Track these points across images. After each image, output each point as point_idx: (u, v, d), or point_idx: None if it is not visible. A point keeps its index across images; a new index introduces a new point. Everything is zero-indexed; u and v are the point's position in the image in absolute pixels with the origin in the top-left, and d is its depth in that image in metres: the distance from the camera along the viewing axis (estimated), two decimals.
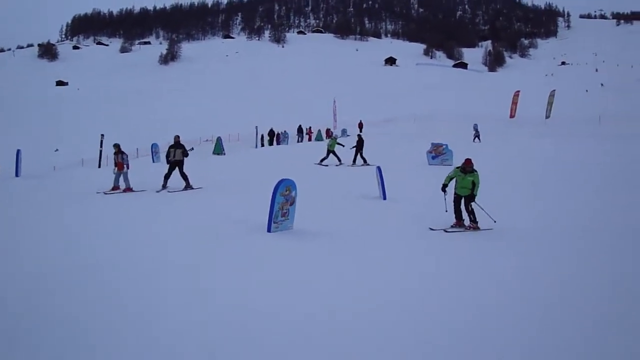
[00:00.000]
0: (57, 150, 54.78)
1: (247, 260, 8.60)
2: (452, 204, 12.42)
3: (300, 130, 54.84)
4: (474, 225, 12.11)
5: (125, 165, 17.22)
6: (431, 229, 11.85)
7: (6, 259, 8.56)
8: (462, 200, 12.28)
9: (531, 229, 12.04)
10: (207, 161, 30.52)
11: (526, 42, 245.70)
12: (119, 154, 17.32)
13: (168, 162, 17.54)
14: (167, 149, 17.96)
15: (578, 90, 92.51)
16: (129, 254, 8.87)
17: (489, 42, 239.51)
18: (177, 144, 17.44)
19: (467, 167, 12.24)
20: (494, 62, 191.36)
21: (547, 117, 49.07)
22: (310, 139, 53.05)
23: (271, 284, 7.33)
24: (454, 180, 12.35)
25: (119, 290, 6.86)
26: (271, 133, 50.87)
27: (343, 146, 26.96)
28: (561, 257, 9.48)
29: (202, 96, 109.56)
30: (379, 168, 15.95)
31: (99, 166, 32.14)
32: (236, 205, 13.95)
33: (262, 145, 48.47)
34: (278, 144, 49.25)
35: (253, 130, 48.89)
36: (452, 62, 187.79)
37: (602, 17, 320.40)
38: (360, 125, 56.20)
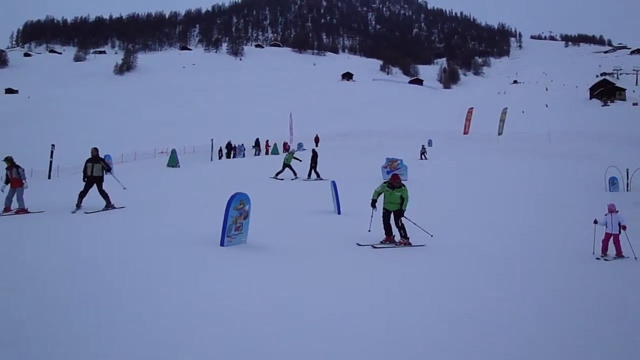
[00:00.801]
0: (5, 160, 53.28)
1: (200, 273, 8.50)
2: (382, 219, 12.33)
3: (257, 143, 54.76)
4: (405, 240, 12.04)
5: (23, 182, 14.80)
6: (359, 245, 11.78)
7: None
8: (392, 216, 12.23)
9: (464, 244, 12.30)
10: (161, 173, 30.20)
11: (480, 60, 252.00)
12: (13, 169, 14.84)
13: (84, 178, 15.27)
14: (84, 164, 15.49)
15: (529, 108, 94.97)
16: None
17: (444, 59, 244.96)
18: (95, 158, 15.30)
19: (395, 182, 12.26)
20: (449, 79, 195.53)
21: (500, 133, 50.18)
22: (267, 153, 53.01)
23: (223, 295, 7.27)
24: (383, 195, 12.35)
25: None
26: (229, 146, 50.73)
27: (300, 161, 26.97)
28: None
29: (158, 107, 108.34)
30: (333, 182, 16.06)
31: (49, 177, 31.37)
32: (180, 220, 13.72)
33: (220, 157, 48.21)
34: (234, 156, 49.06)
35: (208, 143, 48.60)
36: (408, 79, 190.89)
37: (552, 38, 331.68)
38: (317, 140, 56.41)
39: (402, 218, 12.10)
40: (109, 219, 13.81)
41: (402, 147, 41.10)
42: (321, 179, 24.59)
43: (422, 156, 38.18)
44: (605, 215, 12.61)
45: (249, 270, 8.89)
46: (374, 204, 12.52)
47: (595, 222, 12.60)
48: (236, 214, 10.82)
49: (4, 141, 69.56)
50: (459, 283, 8.80)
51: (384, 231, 12.24)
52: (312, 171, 25.92)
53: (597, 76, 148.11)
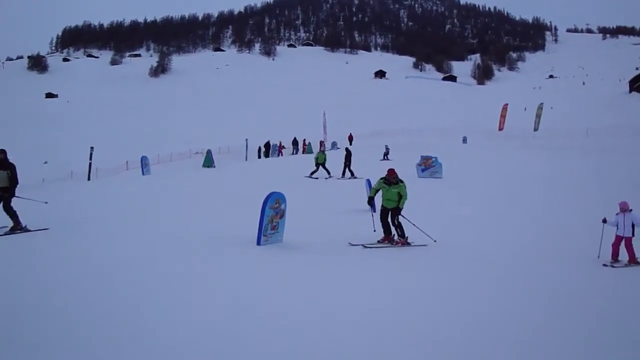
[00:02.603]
0: (46, 162, 54.67)
1: (238, 272, 8.64)
2: (379, 218, 11.88)
3: (295, 142, 55.09)
4: (403, 240, 11.57)
5: None
6: (351, 244, 11.41)
7: None
8: (390, 214, 11.69)
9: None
10: (196, 174, 30.59)
11: (514, 55, 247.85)
12: None
13: None
14: None
15: (566, 103, 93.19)
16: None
17: (478, 55, 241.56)
18: (1, 163, 11.39)
19: (391, 178, 11.67)
20: (483, 75, 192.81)
21: (536, 129, 49.37)
22: (304, 151, 53.28)
23: (262, 294, 7.37)
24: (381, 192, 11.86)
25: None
26: (267, 145, 51.21)
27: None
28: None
29: (193, 109, 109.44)
30: (368, 181, 16.07)
31: (89, 178, 32.06)
32: (217, 220, 13.85)
33: (259, 157, 48.70)
34: (268, 156, 49.54)
35: (243, 143, 48.97)
36: (441, 75, 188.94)
37: (589, 31, 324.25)
38: (350, 138, 56.46)
39: (400, 217, 11.60)
40: (146, 219, 14.06)
41: (437, 145, 40.80)
42: (355, 178, 24.60)
43: (385, 157, 37.07)
44: (617, 214, 10.92)
45: (286, 270, 8.99)
46: (370, 201, 12.30)
47: (605, 221, 11.03)
48: (272, 213, 10.93)
49: (45, 144, 71.36)
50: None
51: (382, 230, 11.83)
52: (347, 170, 25.96)
53: (637, 69, 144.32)
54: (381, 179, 11.91)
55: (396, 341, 5.90)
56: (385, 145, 38.81)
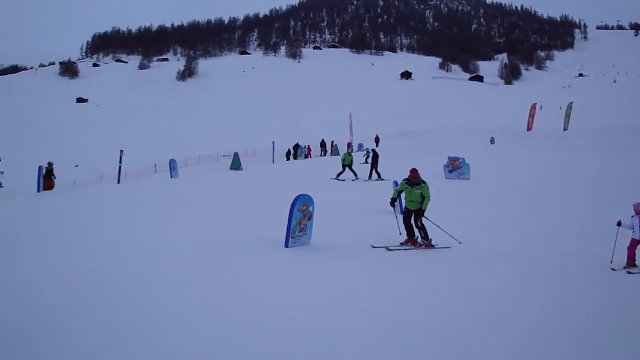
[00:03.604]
0: (77, 166, 55.48)
1: (267, 274, 8.69)
2: (402, 220, 11.72)
3: (323, 144, 55.24)
4: (426, 242, 11.37)
5: None
6: (373, 247, 11.32)
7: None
8: (413, 216, 11.48)
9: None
10: (224, 176, 30.80)
11: (543, 54, 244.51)
12: None
13: None
14: None
15: (597, 102, 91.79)
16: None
17: (505, 55, 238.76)
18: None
19: (414, 179, 11.51)
20: (510, 75, 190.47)
21: (565, 129, 48.75)
22: (332, 153, 53.31)
23: (290, 297, 7.42)
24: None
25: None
26: (296, 147, 51.56)
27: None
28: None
29: (220, 112, 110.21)
30: (396, 183, 16.02)
31: (119, 182, 32.40)
32: (245, 222, 13.96)
33: (288, 159, 48.91)
34: (295, 158, 49.73)
35: (270, 146, 49.14)
36: (468, 76, 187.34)
37: (620, 28, 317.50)
38: (377, 140, 56.32)
39: (424, 219, 11.40)
40: (175, 221, 14.21)
41: (464, 146, 40.48)
42: (382, 180, 24.55)
43: (367, 160, 36.76)
44: (632, 217, 10.32)
45: (314, 272, 9.04)
46: (393, 203, 12.12)
47: (619, 224, 10.42)
48: (300, 216, 10.98)
49: (77, 148, 72.51)
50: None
51: (405, 232, 11.68)
52: (374, 172, 25.92)
53: None
54: (404, 180, 11.78)
55: (421, 343, 5.93)
56: (367, 150, 38.73)
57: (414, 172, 11.63)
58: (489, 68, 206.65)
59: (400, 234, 11.76)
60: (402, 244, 11.52)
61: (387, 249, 11.20)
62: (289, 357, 5.46)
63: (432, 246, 11.36)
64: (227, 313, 6.67)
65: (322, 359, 5.50)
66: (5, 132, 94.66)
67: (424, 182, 11.51)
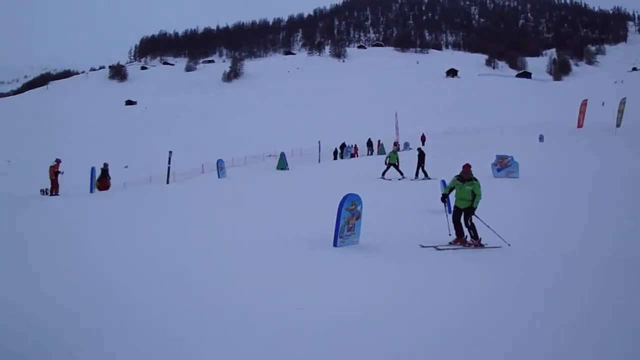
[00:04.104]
0: (126, 167, 56.77)
1: (315, 274, 8.75)
2: (452, 218, 11.48)
3: (369, 143, 55.25)
4: (476, 242, 11.09)
5: None
6: (422, 246, 11.14)
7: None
8: (463, 214, 11.21)
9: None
10: (271, 176, 31.07)
11: (593, 48, 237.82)
12: None
13: None
14: None
15: None
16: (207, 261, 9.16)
17: (554, 50, 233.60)
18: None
19: (465, 175, 11.24)
20: (559, 70, 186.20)
21: (618, 125, 47.38)
22: (378, 152, 53.30)
23: (339, 296, 7.45)
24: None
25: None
26: (343, 147, 51.85)
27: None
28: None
29: (265, 112, 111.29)
30: (443, 182, 15.93)
31: (167, 182, 33.04)
32: (293, 222, 14.05)
33: (335, 158, 49.19)
34: (342, 157, 49.94)
35: (315, 145, 49.34)
36: (515, 72, 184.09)
37: None
38: (423, 138, 55.95)
39: (473, 217, 11.11)
40: (222, 221, 14.41)
41: (512, 143, 39.79)
42: (429, 178, 24.39)
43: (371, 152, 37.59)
44: None
45: (363, 272, 9.01)
46: (444, 198, 11.85)
47: None
48: (348, 215, 11.01)
49: (126, 149, 74.24)
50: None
51: (454, 231, 11.41)
52: (420, 170, 25.76)
53: None
54: (456, 176, 11.50)
55: (476, 342, 5.84)
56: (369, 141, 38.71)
57: (467, 167, 11.37)
58: (537, 64, 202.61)
59: (450, 234, 11.55)
60: (450, 243, 11.29)
61: (436, 248, 11.02)
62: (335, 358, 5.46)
63: (482, 246, 11.10)
64: (279, 312, 6.73)
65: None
66: (58, 135, 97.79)
67: (476, 179, 11.24)
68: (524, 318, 6.70)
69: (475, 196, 11.10)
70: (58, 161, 24.43)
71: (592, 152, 33.20)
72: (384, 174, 25.94)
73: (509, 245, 10.97)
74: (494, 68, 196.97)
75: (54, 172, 23.86)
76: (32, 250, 10.67)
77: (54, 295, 7.33)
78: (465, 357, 5.51)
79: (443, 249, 11.01)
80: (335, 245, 10.79)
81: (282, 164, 38.61)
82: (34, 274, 8.70)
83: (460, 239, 11.29)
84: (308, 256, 10.11)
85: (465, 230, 11.29)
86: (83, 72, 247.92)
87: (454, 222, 11.38)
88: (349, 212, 11.01)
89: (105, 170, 26.41)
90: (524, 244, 11.27)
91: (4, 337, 5.77)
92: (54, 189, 23.95)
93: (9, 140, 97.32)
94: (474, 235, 11.10)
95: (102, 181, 26.08)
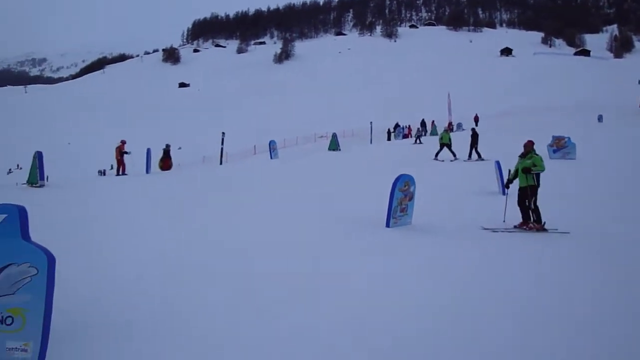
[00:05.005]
0: (180, 148, 58.01)
1: (369, 254, 8.78)
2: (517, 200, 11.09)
3: (423, 123, 54.83)
4: (538, 225, 10.61)
5: None
6: (484, 228, 10.88)
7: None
8: (527, 196, 10.81)
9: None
10: (323, 157, 31.21)
11: None
12: None
13: None
14: None
15: None
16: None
17: (615, 26, 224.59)
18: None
19: (526, 148, 11.13)
20: (621, 47, 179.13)
21: None
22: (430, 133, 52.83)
23: (395, 278, 7.48)
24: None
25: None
26: (396, 127, 51.64)
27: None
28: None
29: (316, 93, 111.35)
30: (498, 162, 15.75)
31: (220, 163, 33.56)
32: (347, 202, 14.10)
33: (389, 139, 49.02)
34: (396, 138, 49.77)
35: (367, 126, 49.19)
36: (573, 50, 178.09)
37: None
38: (476, 119, 55.10)
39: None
40: (279, 201, 14.64)
41: (569, 124, 38.84)
42: (482, 160, 24.07)
43: (418, 139, 37.53)
44: None
45: (417, 253, 8.97)
46: (508, 184, 11.55)
47: None
48: (401, 196, 11.03)
49: (180, 131, 75.69)
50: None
51: (520, 215, 11.05)
52: (473, 151, 25.43)
53: None
54: (519, 156, 11.36)
55: (545, 332, 5.61)
56: (418, 128, 38.19)
57: (528, 142, 11.22)
58: (597, 41, 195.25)
59: (504, 220, 11.30)
60: (515, 226, 11.00)
61: (493, 230, 10.82)
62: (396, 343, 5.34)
63: (545, 230, 10.60)
64: (328, 295, 6.77)
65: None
66: (114, 117, 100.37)
67: (536, 154, 11.06)
68: (603, 310, 6.31)
69: (535, 166, 10.82)
70: (123, 142, 25.25)
71: None
72: (437, 154, 25.73)
73: (569, 233, 10.39)
74: (550, 46, 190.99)
75: (120, 152, 24.66)
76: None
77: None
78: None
79: (500, 232, 10.73)
80: (388, 225, 10.82)
81: (334, 145, 38.68)
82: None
83: (526, 223, 10.94)
84: (360, 236, 10.14)
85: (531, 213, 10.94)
86: (137, 55, 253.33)
87: (519, 205, 11.11)
88: (402, 192, 11.03)
89: (167, 151, 27.37)
90: (583, 229, 10.80)
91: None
92: (121, 169, 24.79)
93: (69, 123, 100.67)
94: (537, 219, 10.77)
95: (165, 161, 27.10)
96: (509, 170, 11.85)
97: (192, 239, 9.93)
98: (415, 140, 37.73)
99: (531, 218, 10.87)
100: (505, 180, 12.02)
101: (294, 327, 5.58)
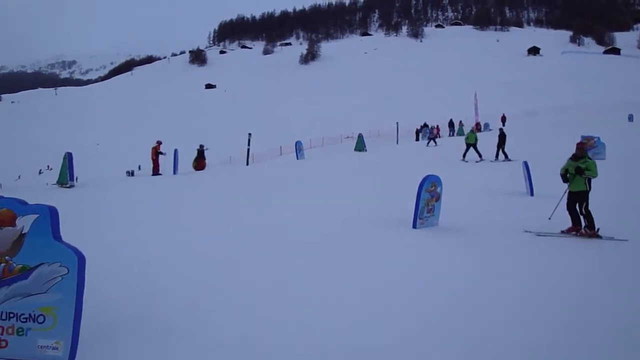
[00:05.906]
0: (207, 149, 58.37)
1: (395, 256, 8.78)
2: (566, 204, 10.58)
3: (451, 124, 54.53)
4: (592, 232, 10.03)
5: None
6: (526, 231, 10.46)
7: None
8: (578, 201, 10.28)
9: None
10: (349, 158, 31.20)
11: None
12: None
13: None
14: None
15: None
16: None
17: None
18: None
19: (579, 152, 10.60)
20: None
21: None
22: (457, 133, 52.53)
23: (421, 279, 7.44)
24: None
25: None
26: (423, 127, 51.54)
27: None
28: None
29: (342, 93, 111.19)
30: (525, 163, 15.58)
31: (247, 164, 33.72)
32: (373, 202, 14.06)
33: (417, 139, 48.87)
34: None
35: (393, 126, 49.03)
36: (602, 49, 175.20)
37: None
38: (503, 119, 54.57)
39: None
40: (308, 203, 14.68)
41: (599, 124, 38.20)
42: (509, 160, 23.84)
43: (432, 141, 37.13)
44: None
45: (444, 254, 8.93)
46: (564, 178, 10.77)
47: None
48: (428, 196, 11.00)
49: (206, 132, 76.17)
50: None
51: (570, 219, 10.47)
52: (500, 152, 25.20)
53: None
54: (570, 158, 10.88)
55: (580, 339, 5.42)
56: (431, 129, 37.68)
57: (580, 145, 10.93)
58: (627, 39, 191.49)
59: (550, 219, 10.97)
60: (562, 231, 10.48)
61: (537, 234, 10.35)
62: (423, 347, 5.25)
63: (598, 236, 10.00)
64: (351, 295, 6.77)
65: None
66: (141, 119, 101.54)
67: (589, 158, 10.64)
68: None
69: (588, 170, 10.31)
70: (159, 143, 25.62)
71: None
72: (464, 155, 25.57)
73: (627, 240, 9.67)
74: (579, 45, 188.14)
75: (156, 153, 25.00)
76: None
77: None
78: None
79: (545, 236, 10.25)
80: (414, 226, 10.78)
81: (360, 146, 38.66)
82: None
83: (575, 228, 10.43)
84: (387, 237, 10.15)
85: (582, 218, 10.41)
86: (165, 57, 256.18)
87: (568, 209, 10.56)
88: (429, 193, 11.00)
89: (201, 151, 27.80)
90: (625, 231, 10.13)
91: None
92: (156, 169, 25.11)
93: (97, 124, 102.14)
94: (589, 225, 10.19)
95: (200, 161, 27.58)
96: (564, 172, 10.94)
97: (229, 240, 10.03)
98: (428, 142, 37.44)
99: (581, 223, 10.38)
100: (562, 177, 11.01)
101: (324, 330, 5.59)
